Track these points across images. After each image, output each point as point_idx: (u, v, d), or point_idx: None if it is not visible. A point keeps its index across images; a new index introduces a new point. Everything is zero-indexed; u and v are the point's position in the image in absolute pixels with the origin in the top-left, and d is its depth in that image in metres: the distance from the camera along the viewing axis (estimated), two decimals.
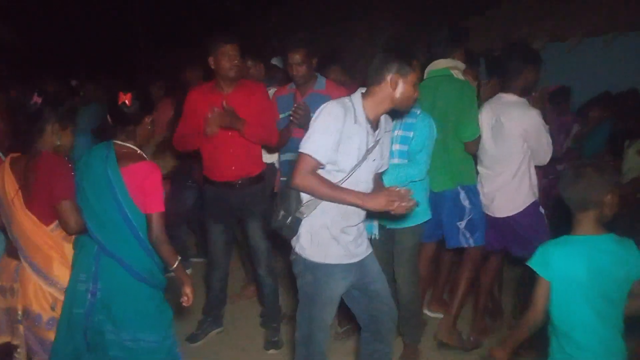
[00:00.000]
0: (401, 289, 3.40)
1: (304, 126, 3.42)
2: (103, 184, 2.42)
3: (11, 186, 2.52)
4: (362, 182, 2.51)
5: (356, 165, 2.46)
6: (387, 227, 3.32)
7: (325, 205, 2.47)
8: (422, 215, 3.29)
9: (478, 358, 3.53)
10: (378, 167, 2.61)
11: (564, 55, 5.83)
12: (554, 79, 5.12)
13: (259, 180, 3.65)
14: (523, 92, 3.42)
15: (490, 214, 3.52)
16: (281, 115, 3.69)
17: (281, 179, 3.82)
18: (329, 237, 2.50)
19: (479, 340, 3.67)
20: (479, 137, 3.39)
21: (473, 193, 3.49)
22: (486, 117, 3.42)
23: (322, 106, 2.45)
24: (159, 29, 12.93)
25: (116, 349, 2.47)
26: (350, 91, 3.72)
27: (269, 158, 3.94)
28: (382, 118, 2.57)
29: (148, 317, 2.54)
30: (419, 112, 3.19)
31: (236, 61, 3.40)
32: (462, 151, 3.45)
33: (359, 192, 2.45)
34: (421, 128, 3.16)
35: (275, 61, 4.65)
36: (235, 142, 3.46)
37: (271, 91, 3.96)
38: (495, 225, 3.52)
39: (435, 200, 3.45)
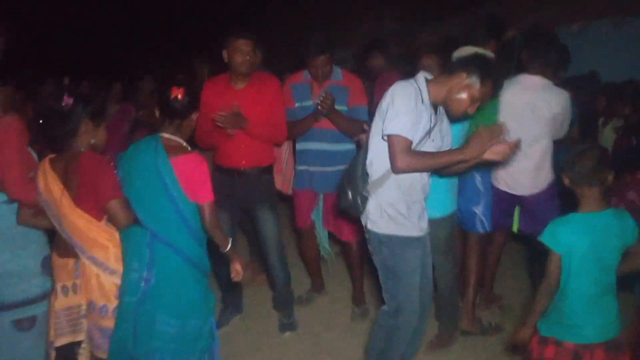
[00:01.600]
0: (438, 278, 3.45)
1: (330, 115, 3.60)
2: (153, 175, 2.50)
3: (56, 186, 2.55)
4: None
5: (418, 144, 2.55)
6: None
7: (390, 183, 2.59)
8: (449, 206, 3.34)
9: (499, 342, 3.65)
10: (438, 147, 2.69)
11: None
12: None
13: (269, 170, 3.73)
14: (545, 73, 3.50)
15: (511, 192, 3.61)
16: (297, 105, 3.77)
17: (299, 167, 3.94)
18: (397, 212, 2.62)
19: (500, 325, 3.78)
20: None
21: (487, 177, 3.60)
22: (514, 98, 3.44)
23: (392, 88, 2.56)
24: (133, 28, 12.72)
25: (162, 340, 2.52)
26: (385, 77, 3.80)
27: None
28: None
29: (197, 302, 2.63)
30: None
31: (248, 57, 3.41)
32: None
33: (454, 150, 2.58)
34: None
35: None
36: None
37: None
38: (512, 203, 3.67)
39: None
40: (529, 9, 6.63)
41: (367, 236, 2.75)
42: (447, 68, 2.59)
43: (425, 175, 2.72)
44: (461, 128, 3.22)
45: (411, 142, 2.48)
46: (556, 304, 2.40)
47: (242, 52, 3.39)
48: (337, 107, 3.62)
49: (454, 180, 3.37)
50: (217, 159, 3.68)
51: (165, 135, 2.60)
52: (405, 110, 2.46)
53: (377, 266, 2.75)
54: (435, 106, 2.64)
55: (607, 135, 4.39)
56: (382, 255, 2.69)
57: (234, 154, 3.57)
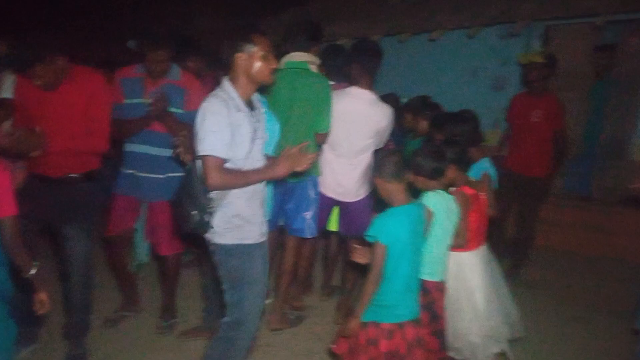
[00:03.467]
0: None
1: (162, 118, 3.34)
2: None
3: None
4: (257, 161, 2.63)
5: (249, 151, 2.55)
6: None
7: (231, 196, 2.56)
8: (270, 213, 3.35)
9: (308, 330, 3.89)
10: (264, 142, 2.72)
11: None
12: None
13: (88, 179, 3.23)
14: (371, 87, 3.65)
15: (337, 198, 3.77)
16: (126, 101, 3.40)
17: (125, 171, 3.56)
18: (243, 220, 2.61)
19: (300, 315, 4.06)
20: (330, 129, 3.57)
21: (316, 184, 3.69)
22: (347, 110, 3.56)
23: (203, 105, 2.46)
24: None
25: None
26: (205, 80, 3.66)
27: None
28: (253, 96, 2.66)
29: None
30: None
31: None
32: (314, 143, 3.57)
33: (265, 169, 2.59)
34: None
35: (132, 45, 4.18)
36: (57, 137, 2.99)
37: None
38: (332, 207, 3.85)
39: (284, 190, 3.59)
40: (343, 18, 6.85)
41: (211, 249, 2.66)
42: (227, 68, 2.56)
43: None
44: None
45: (223, 160, 2.46)
46: (378, 290, 2.62)
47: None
48: (171, 109, 3.35)
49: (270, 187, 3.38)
50: (28, 164, 3.14)
51: None
52: (216, 128, 2.42)
53: (222, 278, 2.67)
54: (249, 103, 2.61)
55: (410, 147, 4.85)
56: (230, 266, 2.63)
57: (40, 159, 3.02)
